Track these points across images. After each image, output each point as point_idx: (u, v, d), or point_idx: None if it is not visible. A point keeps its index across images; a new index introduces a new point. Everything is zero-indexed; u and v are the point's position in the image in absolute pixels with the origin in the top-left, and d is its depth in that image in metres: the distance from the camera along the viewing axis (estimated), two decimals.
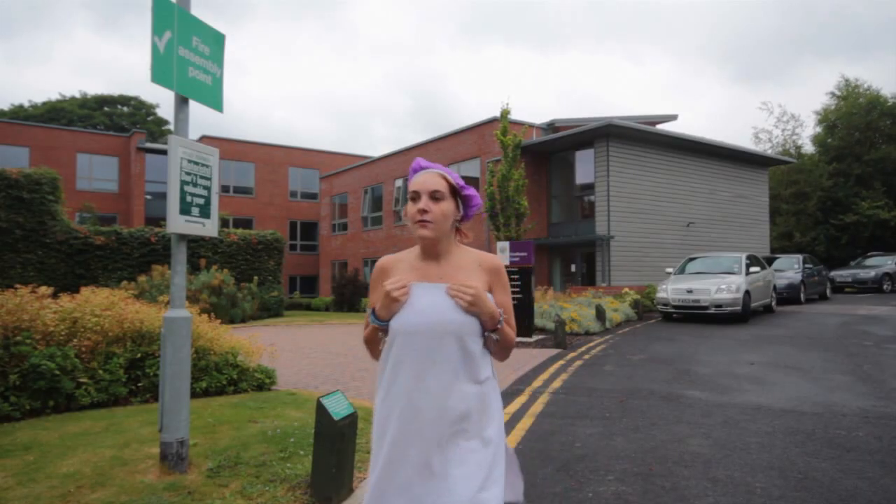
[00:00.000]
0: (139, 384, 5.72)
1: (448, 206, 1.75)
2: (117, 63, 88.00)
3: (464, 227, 1.89)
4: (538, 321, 11.58)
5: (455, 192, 1.79)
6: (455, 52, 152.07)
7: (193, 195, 3.75)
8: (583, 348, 9.67)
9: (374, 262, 26.72)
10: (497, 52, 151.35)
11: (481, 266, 1.80)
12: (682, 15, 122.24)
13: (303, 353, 9.91)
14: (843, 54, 67.37)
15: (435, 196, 1.73)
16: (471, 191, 1.84)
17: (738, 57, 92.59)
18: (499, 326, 1.71)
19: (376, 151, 32.99)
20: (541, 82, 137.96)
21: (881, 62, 57.59)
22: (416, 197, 1.74)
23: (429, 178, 1.75)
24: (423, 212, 1.71)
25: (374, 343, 1.80)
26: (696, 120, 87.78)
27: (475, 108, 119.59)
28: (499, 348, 1.78)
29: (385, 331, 1.71)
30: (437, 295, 1.69)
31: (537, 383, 6.84)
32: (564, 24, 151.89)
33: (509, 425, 5.01)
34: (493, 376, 1.80)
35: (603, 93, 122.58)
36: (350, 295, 24.22)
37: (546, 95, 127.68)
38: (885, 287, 20.28)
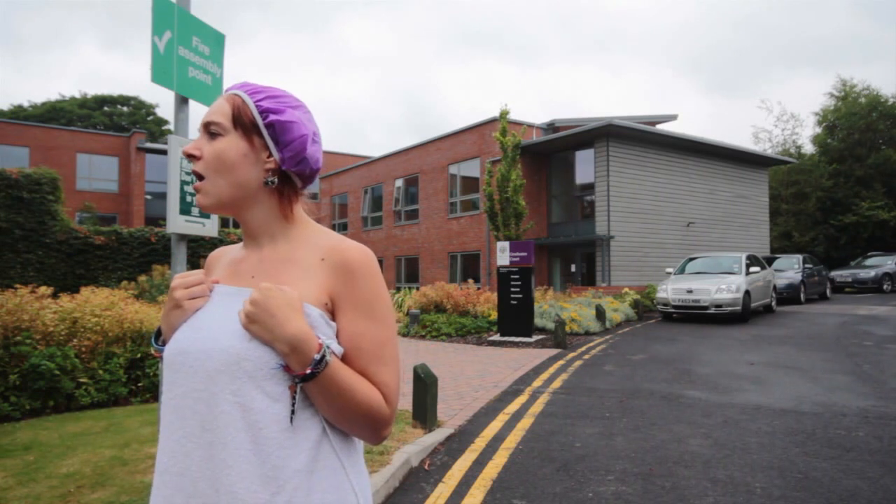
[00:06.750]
0: (139, 384, 5.72)
1: (229, 145, 1.00)
2: (122, 75, 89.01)
3: (305, 200, 1.10)
4: (538, 321, 11.57)
5: (250, 124, 1.01)
6: (441, 65, 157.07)
7: (193, 195, 3.75)
8: (583, 348, 9.67)
9: None
10: (480, 64, 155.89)
11: (326, 260, 1.01)
12: (653, 32, 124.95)
13: None
14: (809, 66, 70.13)
15: (211, 130, 1.01)
16: (284, 115, 1.02)
17: (709, 69, 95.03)
18: (315, 370, 0.89)
19: (375, 153, 33.32)
20: (524, 91, 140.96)
21: (848, 73, 59.26)
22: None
23: (216, 103, 1.03)
24: (191, 157, 1.01)
25: None
26: (678, 126, 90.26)
27: (465, 112, 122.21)
28: (334, 415, 0.95)
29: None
30: (231, 305, 0.98)
31: (537, 383, 6.84)
32: (541, 40, 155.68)
33: (509, 425, 5.01)
34: (320, 468, 0.94)
35: (588, 101, 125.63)
36: None
37: (531, 103, 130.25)
38: (885, 287, 20.26)
